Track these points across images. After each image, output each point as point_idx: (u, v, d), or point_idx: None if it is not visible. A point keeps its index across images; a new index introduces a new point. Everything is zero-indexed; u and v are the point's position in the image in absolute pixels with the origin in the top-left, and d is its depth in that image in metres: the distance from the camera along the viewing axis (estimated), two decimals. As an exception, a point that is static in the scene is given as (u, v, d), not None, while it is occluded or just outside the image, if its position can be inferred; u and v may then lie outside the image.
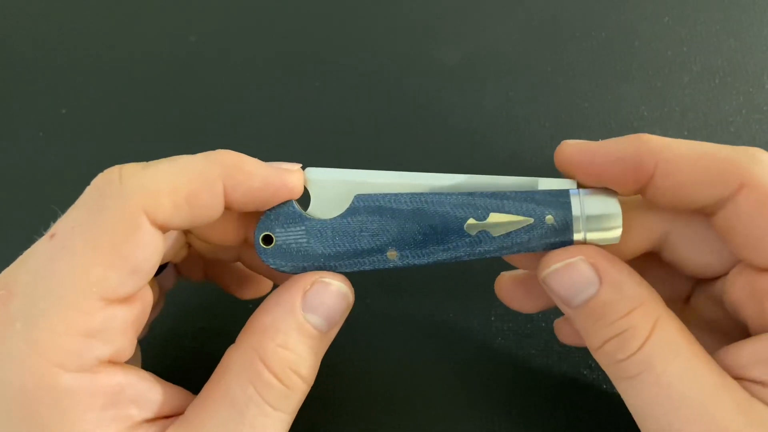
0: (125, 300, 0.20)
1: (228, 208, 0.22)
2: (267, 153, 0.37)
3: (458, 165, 0.36)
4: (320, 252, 0.23)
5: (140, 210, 0.20)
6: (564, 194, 0.23)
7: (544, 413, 0.30)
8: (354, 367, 0.31)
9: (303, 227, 0.23)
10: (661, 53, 0.39)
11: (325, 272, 0.23)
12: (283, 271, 0.23)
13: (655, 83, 0.38)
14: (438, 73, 0.39)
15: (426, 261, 0.23)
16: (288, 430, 0.22)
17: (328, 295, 0.22)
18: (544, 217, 0.22)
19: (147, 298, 0.22)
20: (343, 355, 0.31)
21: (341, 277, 0.23)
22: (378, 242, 0.23)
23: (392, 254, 0.23)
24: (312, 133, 0.38)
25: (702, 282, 0.26)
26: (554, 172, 0.33)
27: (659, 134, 0.36)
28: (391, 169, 0.24)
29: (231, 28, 0.42)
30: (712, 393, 0.20)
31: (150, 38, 0.42)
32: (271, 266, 0.23)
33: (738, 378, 0.21)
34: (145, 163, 0.21)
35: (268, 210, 0.23)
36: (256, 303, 0.30)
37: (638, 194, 0.23)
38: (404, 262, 0.23)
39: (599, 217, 0.22)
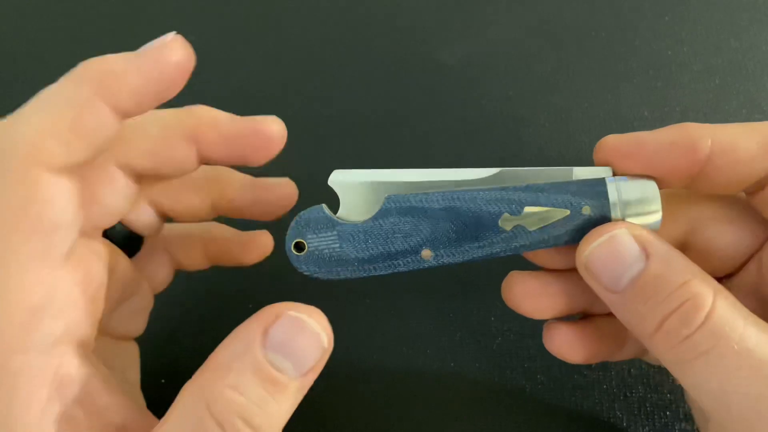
0: (65, 263, 0.19)
1: (126, 116, 0.20)
2: (267, 153, 0.37)
3: (458, 165, 0.36)
4: (354, 256, 0.22)
5: (30, 165, 0.18)
6: (600, 183, 0.22)
7: (544, 413, 0.30)
8: (354, 367, 0.31)
9: (335, 232, 0.22)
10: (661, 53, 0.39)
11: (295, 304, 0.20)
12: (316, 278, 0.23)
13: (655, 83, 0.38)
14: (438, 73, 0.39)
15: (461, 259, 0.22)
16: None
17: (295, 332, 0.19)
18: (581, 208, 0.22)
19: (92, 264, 0.20)
20: (343, 355, 0.31)
21: (314, 310, 0.20)
22: (411, 243, 0.22)
23: (427, 254, 0.23)
24: (312, 133, 0.38)
25: (726, 281, 0.25)
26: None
27: (659, 134, 0.36)
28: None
29: (231, 29, 0.42)
30: None
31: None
32: (305, 273, 0.23)
33: None
34: (13, 114, 0.19)
35: (298, 216, 0.22)
36: (257, 302, 0.30)
37: (686, 184, 0.23)
38: (439, 262, 0.23)
39: (638, 202, 0.22)
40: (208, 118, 0.21)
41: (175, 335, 0.32)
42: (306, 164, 0.37)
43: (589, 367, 0.31)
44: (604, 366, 0.31)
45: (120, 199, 0.23)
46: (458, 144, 0.37)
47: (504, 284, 0.25)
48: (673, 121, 0.37)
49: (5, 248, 0.18)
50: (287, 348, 0.19)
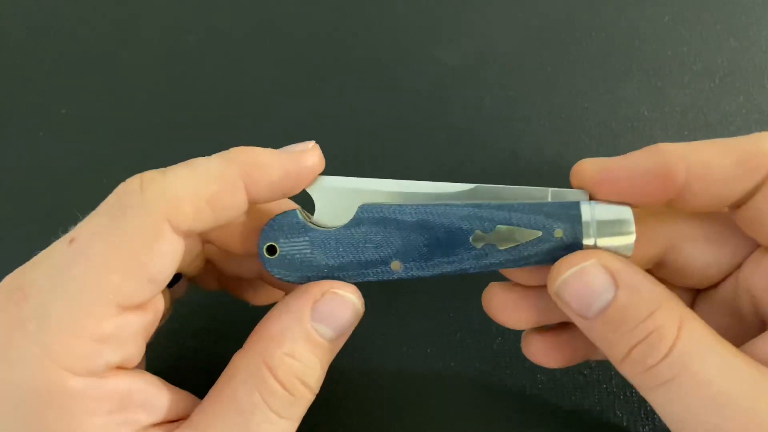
0: (139, 307, 0.21)
1: (254, 203, 0.22)
2: (267, 153, 0.37)
3: (458, 165, 0.37)
4: (324, 263, 0.23)
5: (162, 218, 0.20)
6: (574, 206, 0.22)
7: (544, 413, 0.30)
8: (353, 367, 0.31)
9: (307, 238, 0.23)
10: (661, 53, 0.39)
11: (336, 282, 0.23)
12: (288, 281, 0.23)
13: (655, 83, 0.38)
14: (438, 73, 0.39)
15: (431, 273, 0.23)
16: None
17: (338, 306, 0.22)
18: (553, 231, 0.22)
19: (159, 306, 0.22)
20: (343, 355, 0.31)
21: (352, 287, 0.23)
22: (382, 254, 0.23)
23: (396, 266, 0.23)
24: (312, 133, 0.38)
25: (703, 293, 0.26)
26: (554, 172, 0.33)
27: (659, 134, 0.37)
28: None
29: (231, 29, 0.42)
30: (754, 386, 0.19)
31: (150, 38, 0.42)
32: (275, 276, 0.23)
33: None
34: (163, 169, 0.21)
35: (272, 220, 0.23)
36: (259, 307, 0.30)
37: (662, 206, 0.23)
38: (408, 274, 0.23)
39: (611, 225, 0.22)
40: (256, 164, 0.22)
41: (175, 335, 0.32)
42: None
43: (589, 366, 0.31)
44: (604, 366, 0.31)
45: (191, 256, 0.25)
46: (458, 144, 0.37)
47: (484, 295, 0.26)
48: (673, 121, 0.37)
49: (100, 280, 0.19)
50: (330, 318, 0.22)
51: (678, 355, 0.19)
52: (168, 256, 0.20)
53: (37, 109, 0.39)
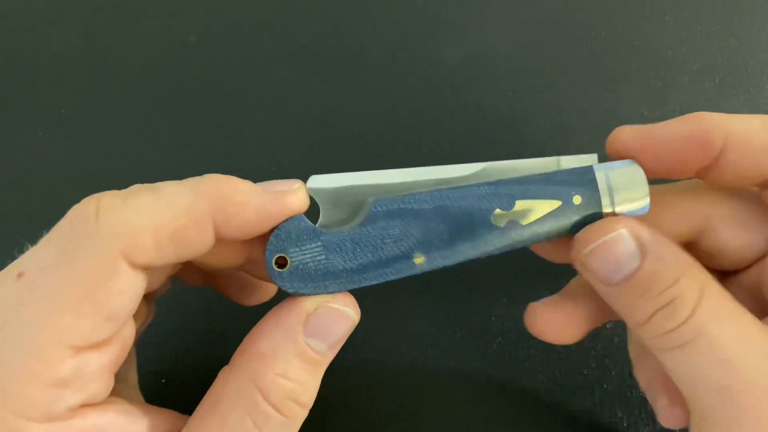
0: (100, 345, 0.19)
1: (220, 240, 0.20)
2: (268, 153, 0.37)
3: (458, 164, 0.36)
4: (342, 267, 0.21)
5: (117, 253, 0.18)
6: (588, 171, 0.22)
7: (544, 413, 0.30)
8: (353, 367, 0.31)
9: (319, 243, 0.21)
10: (661, 53, 0.39)
11: (330, 295, 0.21)
12: (303, 294, 0.21)
13: (655, 83, 0.38)
14: (438, 73, 0.39)
15: (455, 261, 0.21)
16: None
17: (333, 320, 0.21)
18: (571, 197, 0.22)
19: (126, 337, 0.21)
20: (342, 355, 0.31)
21: (347, 298, 0.22)
22: (403, 248, 0.21)
23: (419, 259, 0.21)
24: (312, 133, 0.38)
25: (731, 275, 0.25)
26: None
27: (659, 134, 0.36)
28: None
29: (231, 28, 0.42)
30: (767, 353, 0.19)
31: (150, 38, 0.42)
32: (289, 291, 0.21)
33: None
34: (124, 193, 0.19)
35: (277, 229, 0.21)
36: (257, 307, 0.30)
37: (697, 174, 0.23)
38: (432, 266, 0.21)
39: (626, 189, 0.22)
40: (230, 200, 0.20)
41: (175, 335, 0.32)
42: (306, 164, 0.37)
43: (589, 366, 0.31)
44: (604, 366, 0.31)
45: (167, 275, 0.24)
46: (458, 144, 0.37)
47: (525, 318, 0.25)
48: (673, 121, 0.37)
49: (51, 322, 0.18)
50: (324, 333, 0.21)
51: (697, 320, 0.20)
52: (126, 293, 0.19)
53: (37, 109, 0.39)
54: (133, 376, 0.27)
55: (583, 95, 0.38)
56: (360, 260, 0.21)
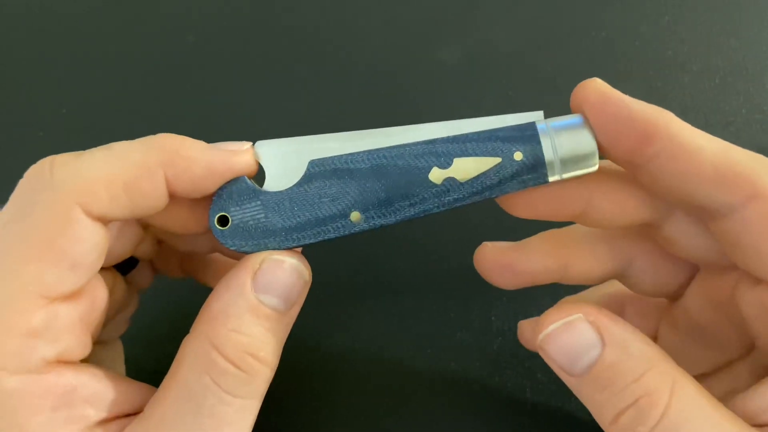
0: (70, 297, 0.20)
1: (173, 196, 0.21)
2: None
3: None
4: (280, 225, 0.21)
5: (73, 202, 0.19)
6: (530, 127, 0.21)
7: (544, 413, 0.30)
8: (353, 367, 0.31)
9: (258, 202, 0.22)
10: (661, 53, 0.39)
11: (275, 251, 0.22)
12: (244, 252, 0.22)
13: (655, 83, 0.38)
14: (438, 73, 0.39)
15: (393, 219, 0.21)
16: (254, 416, 0.21)
17: (281, 273, 0.21)
18: (512, 154, 0.21)
19: (97, 295, 0.21)
20: (343, 355, 0.31)
21: (294, 253, 0.22)
22: (340, 206, 0.21)
23: (356, 217, 0.21)
24: (312, 133, 0.38)
25: (701, 275, 0.24)
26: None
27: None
28: None
29: (230, 29, 0.42)
30: None
31: (149, 38, 0.42)
32: (231, 248, 0.22)
33: (760, 425, 0.19)
34: (79, 152, 0.20)
35: (219, 189, 0.22)
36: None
37: (626, 168, 0.22)
38: (370, 224, 0.21)
39: (571, 144, 0.21)
40: (179, 155, 0.20)
41: (174, 335, 0.32)
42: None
43: (589, 367, 0.31)
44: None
45: (132, 241, 0.24)
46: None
47: (475, 254, 0.25)
48: (673, 121, 0.37)
49: (17, 273, 0.18)
50: (275, 287, 0.21)
51: (668, 424, 0.18)
52: (86, 241, 0.19)
53: (37, 109, 0.39)
54: (121, 370, 0.27)
55: (583, 95, 0.38)
56: (298, 219, 0.22)
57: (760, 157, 0.20)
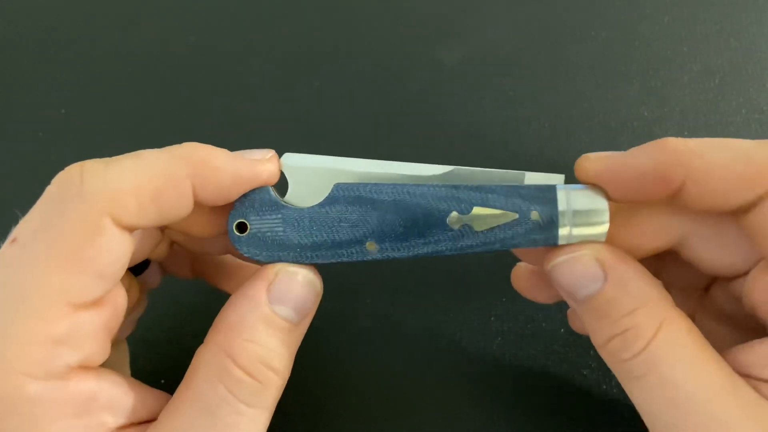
0: (93, 304, 0.20)
1: (198, 204, 0.21)
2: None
3: (458, 165, 0.36)
4: (296, 242, 0.22)
5: (103, 212, 0.19)
6: (551, 190, 0.22)
7: (544, 414, 0.30)
8: (354, 367, 0.31)
9: (279, 215, 0.22)
10: (661, 53, 0.39)
11: (289, 263, 0.22)
12: (257, 260, 0.22)
13: (655, 83, 0.38)
14: (438, 73, 0.39)
15: (406, 254, 0.22)
16: (266, 426, 0.22)
17: (294, 285, 0.22)
18: (530, 213, 0.22)
19: (119, 301, 0.21)
20: (343, 355, 0.31)
21: (307, 266, 0.22)
22: (357, 233, 0.22)
23: (371, 246, 0.22)
24: (312, 133, 0.38)
25: (720, 278, 0.25)
26: (553, 171, 0.33)
27: (659, 134, 0.36)
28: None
29: (230, 28, 0.42)
30: (719, 394, 0.19)
31: (149, 38, 0.42)
32: (245, 255, 0.22)
33: (751, 378, 0.20)
34: (107, 159, 0.20)
35: (243, 196, 0.22)
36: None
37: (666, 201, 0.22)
38: (384, 255, 0.22)
39: (587, 213, 0.22)
40: (207, 164, 0.21)
41: (175, 335, 0.32)
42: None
43: (589, 366, 0.31)
44: (604, 366, 0.31)
45: (151, 245, 0.24)
46: (458, 144, 0.37)
47: (512, 274, 0.27)
48: (672, 121, 0.37)
49: (46, 281, 0.19)
50: (288, 299, 0.22)
51: (650, 355, 0.20)
52: (114, 251, 0.19)
53: (37, 109, 0.39)
54: (126, 371, 0.27)
55: (583, 95, 0.38)
56: (315, 238, 0.22)
57: None
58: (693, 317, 0.27)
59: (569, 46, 0.39)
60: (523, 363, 0.31)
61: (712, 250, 0.23)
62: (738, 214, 0.22)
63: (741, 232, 0.22)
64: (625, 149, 0.22)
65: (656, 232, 0.23)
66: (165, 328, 0.32)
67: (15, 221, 0.20)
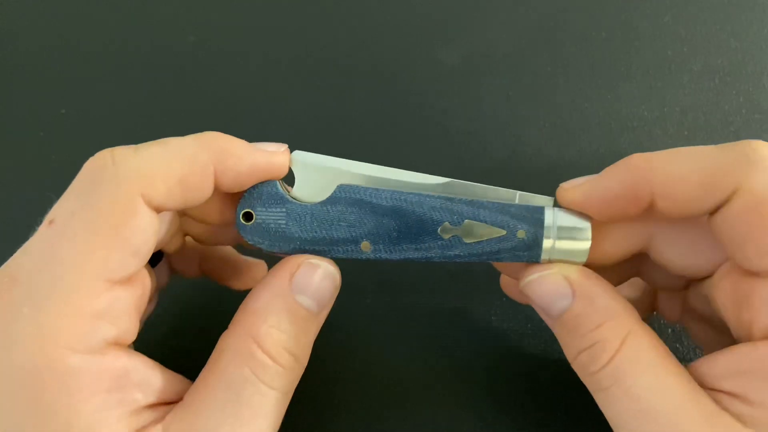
0: (127, 281, 0.21)
1: (216, 190, 0.23)
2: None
3: (458, 165, 0.37)
4: (297, 235, 0.24)
5: (136, 193, 0.20)
6: (539, 210, 0.23)
7: (544, 413, 0.30)
8: (354, 367, 0.31)
9: (284, 209, 0.24)
10: (661, 53, 0.39)
11: (311, 255, 0.24)
12: (260, 248, 0.24)
13: (655, 83, 0.38)
14: (438, 73, 0.39)
15: (397, 257, 0.24)
16: (284, 409, 0.23)
17: (315, 276, 0.23)
18: (516, 231, 0.23)
19: (146, 281, 0.22)
20: (344, 354, 0.31)
21: (327, 259, 0.24)
22: (353, 233, 0.24)
23: (366, 246, 0.24)
24: (312, 133, 0.38)
25: (692, 280, 0.26)
26: (553, 172, 0.34)
27: (659, 134, 0.36)
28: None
29: (230, 29, 0.42)
30: (681, 405, 0.20)
31: (149, 39, 0.42)
32: (249, 242, 0.24)
33: (711, 389, 0.21)
34: (135, 146, 0.21)
35: (252, 188, 0.24)
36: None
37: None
38: (376, 256, 0.24)
39: (570, 230, 0.23)
40: (228, 152, 0.22)
41: (175, 335, 0.32)
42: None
43: (589, 367, 0.31)
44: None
45: (170, 233, 0.25)
46: (458, 144, 0.37)
47: (501, 277, 0.29)
48: (673, 121, 0.37)
49: (87, 258, 0.20)
50: (310, 289, 0.23)
51: (614, 368, 0.21)
52: (147, 229, 0.21)
53: (37, 109, 0.39)
54: None
55: (583, 95, 0.38)
56: (314, 233, 0.24)
57: (740, 146, 0.21)
58: (680, 319, 0.28)
59: (569, 46, 0.39)
60: (523, 363, 0.31)
61: (679, 252, 0.24)
62: (707, 217, 0.22)
63: (708, 233, 0.23)
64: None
65: (624, 236, 0.24)
66: (165, 328, 0.32)
67: (50, 204, 0.21)
